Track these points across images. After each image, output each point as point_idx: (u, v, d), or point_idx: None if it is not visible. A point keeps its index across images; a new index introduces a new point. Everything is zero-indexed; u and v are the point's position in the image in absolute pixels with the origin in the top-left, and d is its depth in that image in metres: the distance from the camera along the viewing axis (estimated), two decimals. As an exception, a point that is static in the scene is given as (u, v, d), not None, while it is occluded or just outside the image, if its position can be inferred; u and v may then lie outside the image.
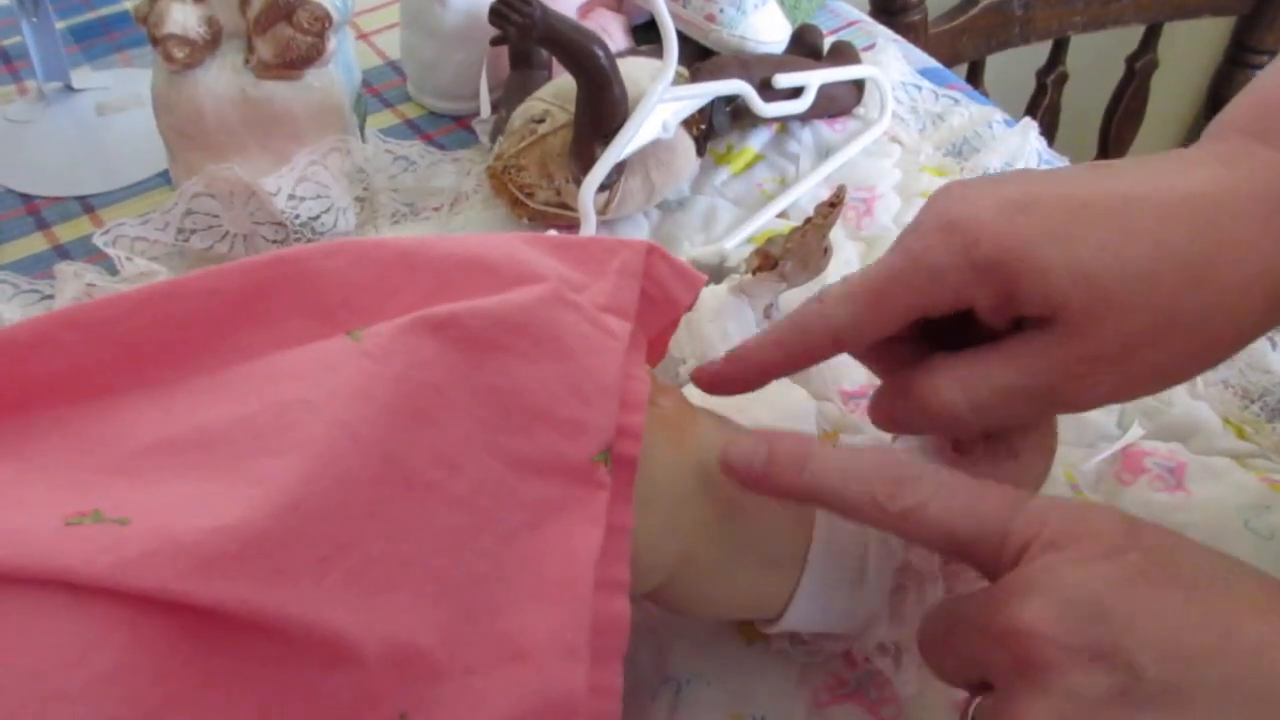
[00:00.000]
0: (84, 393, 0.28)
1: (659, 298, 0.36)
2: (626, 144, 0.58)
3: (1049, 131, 1.16)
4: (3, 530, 0.23)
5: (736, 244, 0.63)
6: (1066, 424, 0.54)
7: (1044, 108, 1.14)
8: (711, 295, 0.53)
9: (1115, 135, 1.19)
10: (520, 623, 0.28)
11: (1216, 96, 1.22)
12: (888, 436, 0.44)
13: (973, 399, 0.34)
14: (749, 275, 0.53)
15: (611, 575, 0.30)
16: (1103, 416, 0.54)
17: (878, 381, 0.57)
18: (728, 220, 0.65)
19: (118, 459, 0.26)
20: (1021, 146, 0.69)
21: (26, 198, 0.67)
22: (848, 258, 0.63)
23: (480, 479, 0.29)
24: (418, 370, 0.29)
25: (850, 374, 0.57)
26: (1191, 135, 1.34)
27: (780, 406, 0.51)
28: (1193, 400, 0.55)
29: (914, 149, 0.70)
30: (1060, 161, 0.71)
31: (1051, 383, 0.34)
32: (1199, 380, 0.56)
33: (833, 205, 0.53)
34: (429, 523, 0.28)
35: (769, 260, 0.52)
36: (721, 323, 0.52)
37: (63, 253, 0.63)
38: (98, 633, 0.22)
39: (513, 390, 0.30)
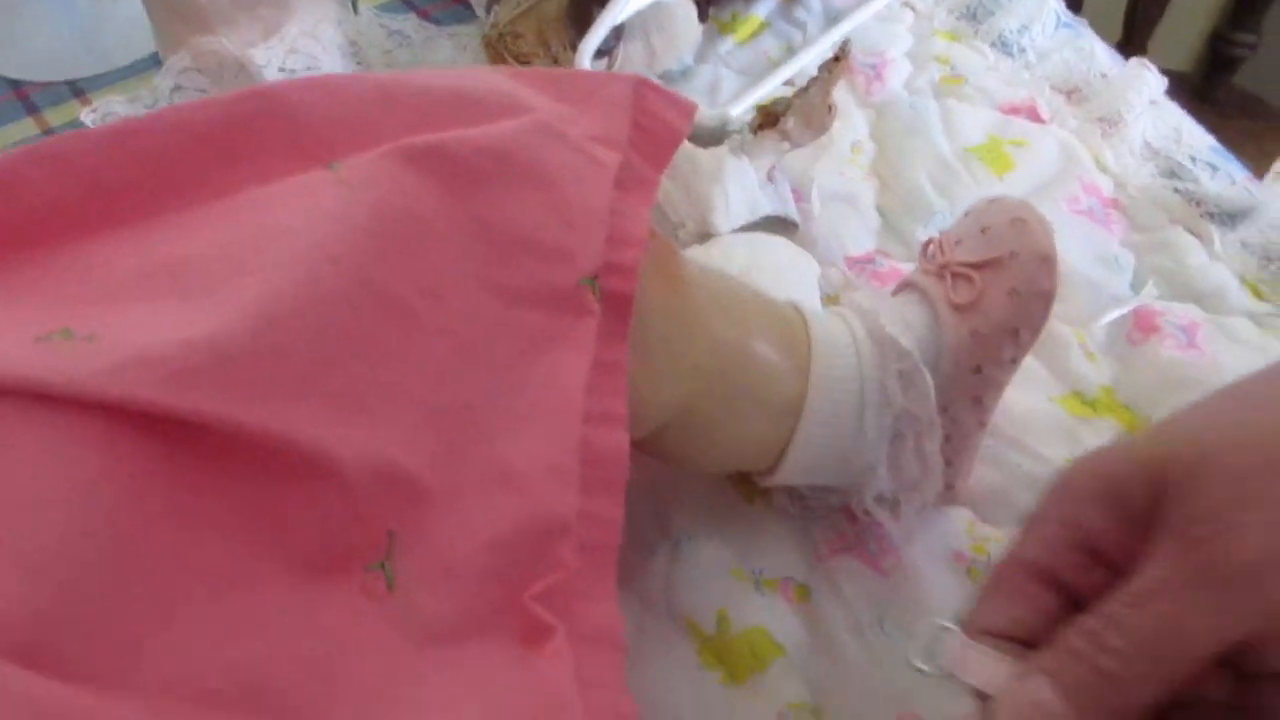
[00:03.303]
0: (53, 230, 0.28)
1: (654, 127, 0.34)
2: (624, 6, 0.56)
3: (1073, 7, 1.12)
4: None
5: (741, 111, 0.61)
6: (1079, 287, 0.53)
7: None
8: (711, 157, 0.52)
9: (1144, 11, 1.14)
10: (508, 449, 0.28)
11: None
12: (887, 289, 0.43)
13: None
14: (751, 135, 0.51)
15: (607, 408, 0.29)
16: (1116, 278, 0.53)
17: (884, 247, 0.56)
18: (732, 90, 0.63)
19: (88, 289, 0.26)
20: (1039, 8, 0.66)
21: (16, 83, 0.66)
22: (856, 124, 0.61)
23: (466, 309, 0.28)
24: (398, 198, 0.28)
25: (857, 240, 0.55)
26: (1217, 4, 1.28)
27: (785, 270, 0.50)
28: (1210, 261, 0.54)
29: (927, 14, 0.68)
30: (1080, 27, 0.67)
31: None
32: (1216, 240, 0.54)
33: (837, 60, 0.51)
34: (414, 351, 0.27)
35: (771, 118, 0.51)
36: (722, 184, 0.51)
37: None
38: (73, 443, 0.22)
39: (497, 220, 0.29)
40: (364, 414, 0.26)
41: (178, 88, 0.57)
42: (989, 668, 0.28)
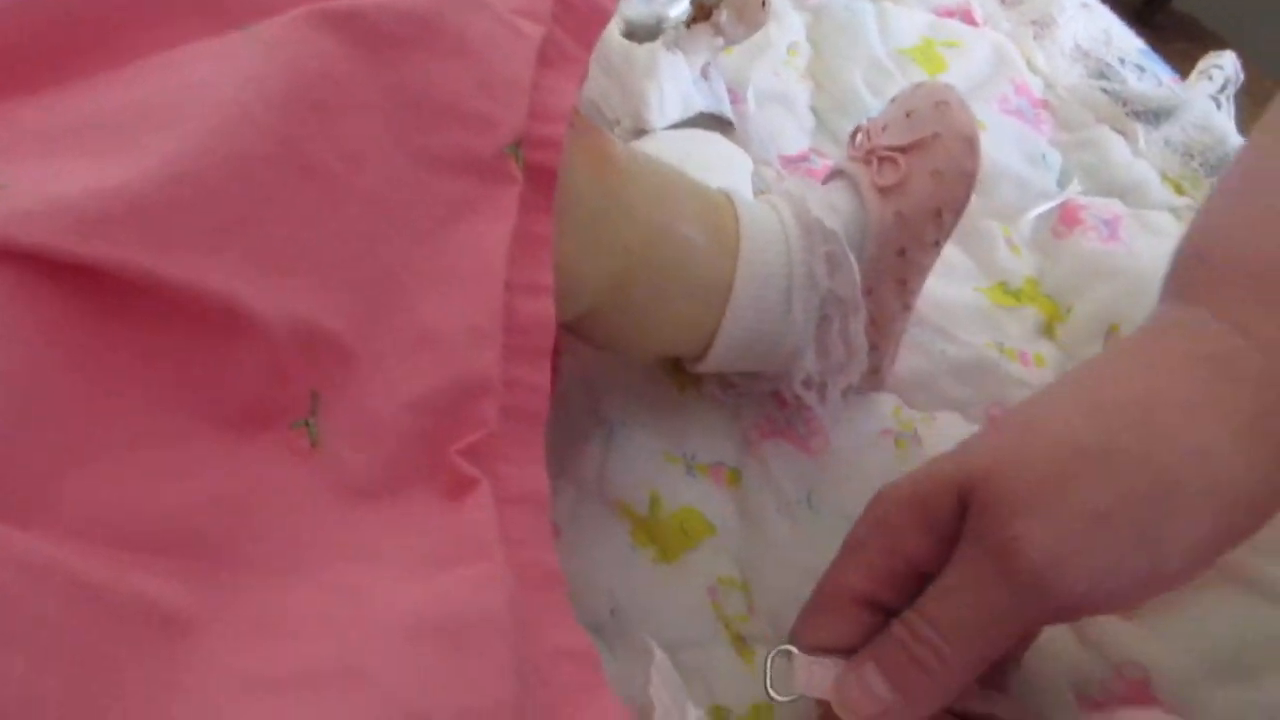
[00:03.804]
0: None
1: (579, 5, 0.34)
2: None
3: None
4: None
5: (676, 9, 0.60)
6: (1007, 184, 0.54)
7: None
8: (646, 53, 0.51)
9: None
10: (429, 312, 0.28)
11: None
12: (817, 190, 0.43)
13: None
14: (685, 29, 0.51)
15: (532, 279, 0.30)
16: (1043, 175, 0.54)
17: (818, 147, 0.56)
18: (669, -12, 0.62)
19: None
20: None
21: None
22: (792, 26, 0.61)
23: (388, 176, 0.28)
24: (316, 60, 0.27)
25: (791, 139, 0.56)
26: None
27: (719, 165, 0.50)
28: (1133, 158, 0.55)
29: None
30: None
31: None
32: (1140, 138, 0.56)
33: (771, -46, 0.50)
34: (335, 215, 0.27)
35: (705, 12, 0.50)
36: (656, 80, 0.51)
37: None
38: (25, 290, 0.22)
39: (418, 86, 0.29)
40: (283, 273, 0.25)
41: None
42: (832, 676, 0.32)
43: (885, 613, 0.32)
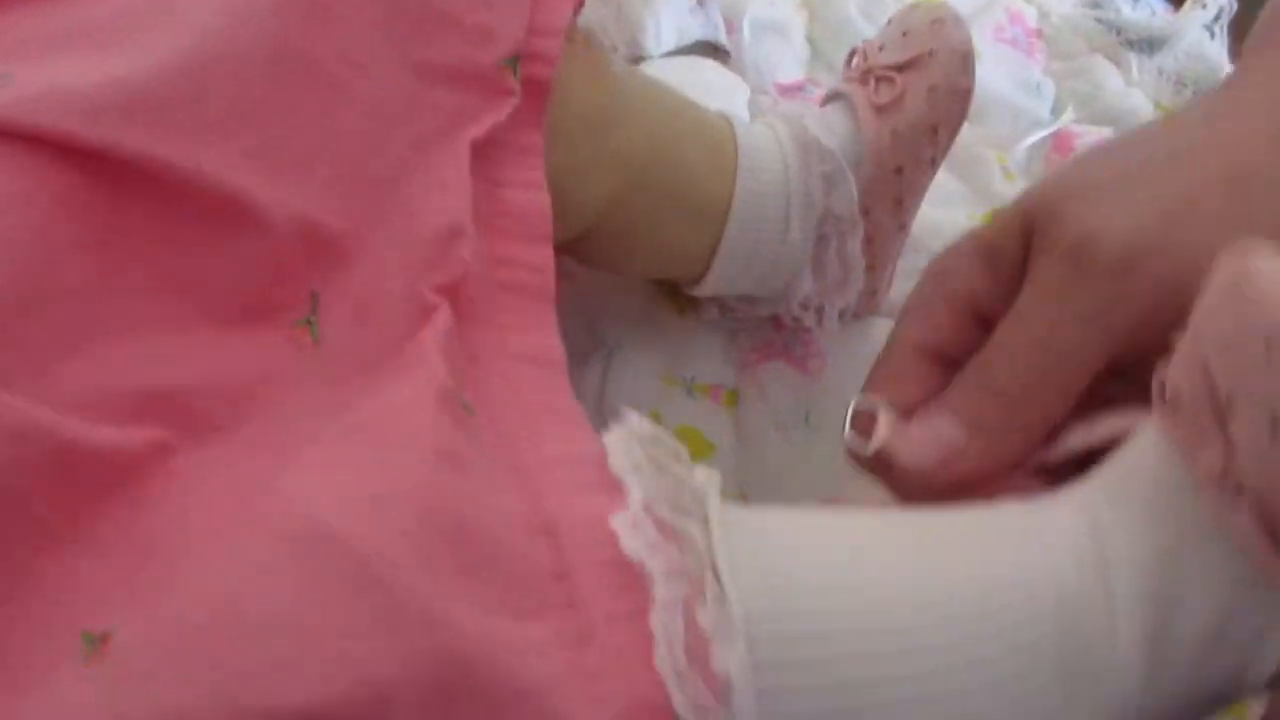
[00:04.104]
0: None
1: None
2: None
3: None
4: None
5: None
6: (1002, 112, 0.55)
7: None
8: (643, -22, 0.51)
9: None
10: (424, 212, 0.28)
11: None
12: (814, 111, 0.44)
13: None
14: (681, -44, 0.51)
15: (525, 176, 0.30)
16: (1036, 102, 0.55)
17: (813, 76, 0.57)
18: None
19: None
20: None
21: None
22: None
23: (388, 84, 0.29)
24: None
25: (787, 69, 0.56)
26: None
27: (715, 90, 0.50)
28: (1127, 87, 0.56)
29: None
30: None
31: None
32: (1134, 67, 0.56)
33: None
34: (336, 118, 0.27)
35: (701, -63, 0.50)
36: (652, 7, 0.51)
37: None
38: (35, 172, 0.22)
39: None
40: (284, 171, 0.26)
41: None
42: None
43: (954, 368, 0.29)
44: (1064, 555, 0.23)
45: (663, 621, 0.21)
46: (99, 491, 0.22)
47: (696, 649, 0.21)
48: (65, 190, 0.23)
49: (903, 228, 0.42)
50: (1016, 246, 0.28)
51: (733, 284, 0.42)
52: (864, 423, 0.29)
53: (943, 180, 0.51)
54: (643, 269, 0.42)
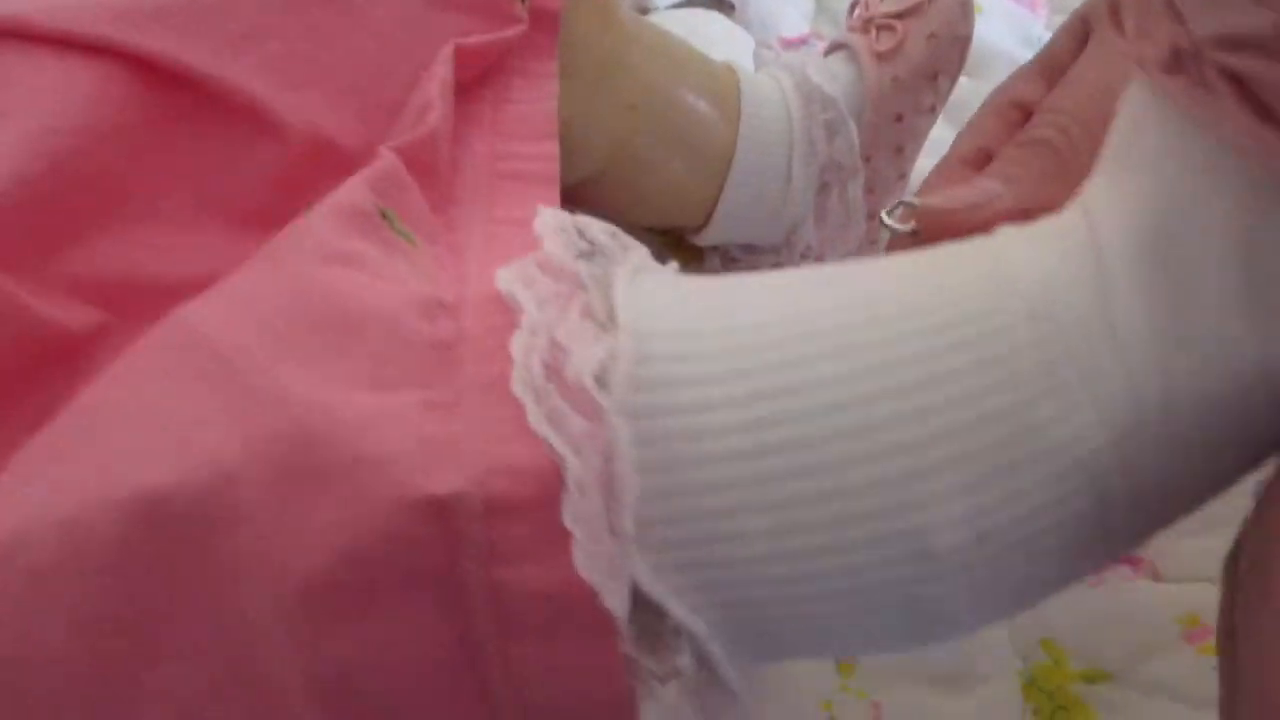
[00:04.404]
0: None
1: None
2: None
3: None
4: None
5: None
6: (1002, 66, 0.54)
7: None
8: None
9: None
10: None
11: None
12: (818, 61, 0.44)
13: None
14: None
15: (532, 95, 0.31)
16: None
17: (818, 30, 0.57)
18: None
19: None
20: None
21: None
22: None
23: (400, 10, 0.30)
24: None
25: (792, 24, 0.56)
26: None
27: (720, 42, 0.51)
28: (1129, 41, 0.56)
29: None
30: None
31: None
32: (1137, 20, 0.56)
33: None
34: (350, 39, 0.29)
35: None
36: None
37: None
38: (69, 70, 0.25)
39: None
40: (301, 85, 0.27)
41: None
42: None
43: None
44: (1045, 247, 0.21)
45: (524, 342, 0.20)
46: (41, 362, 0.23)
47: (556, 364, 0.20)
48: (99, 89, 0.25)
49: (903, 176, 0.42)
50: (1072, 47, 0.28)
51: (735, 232, 0.42)
52: (903, 216, 0.28)
53: (942, 134, 0.51)
54: (647, 215, 0.42)
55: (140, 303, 0.24)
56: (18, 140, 0.23)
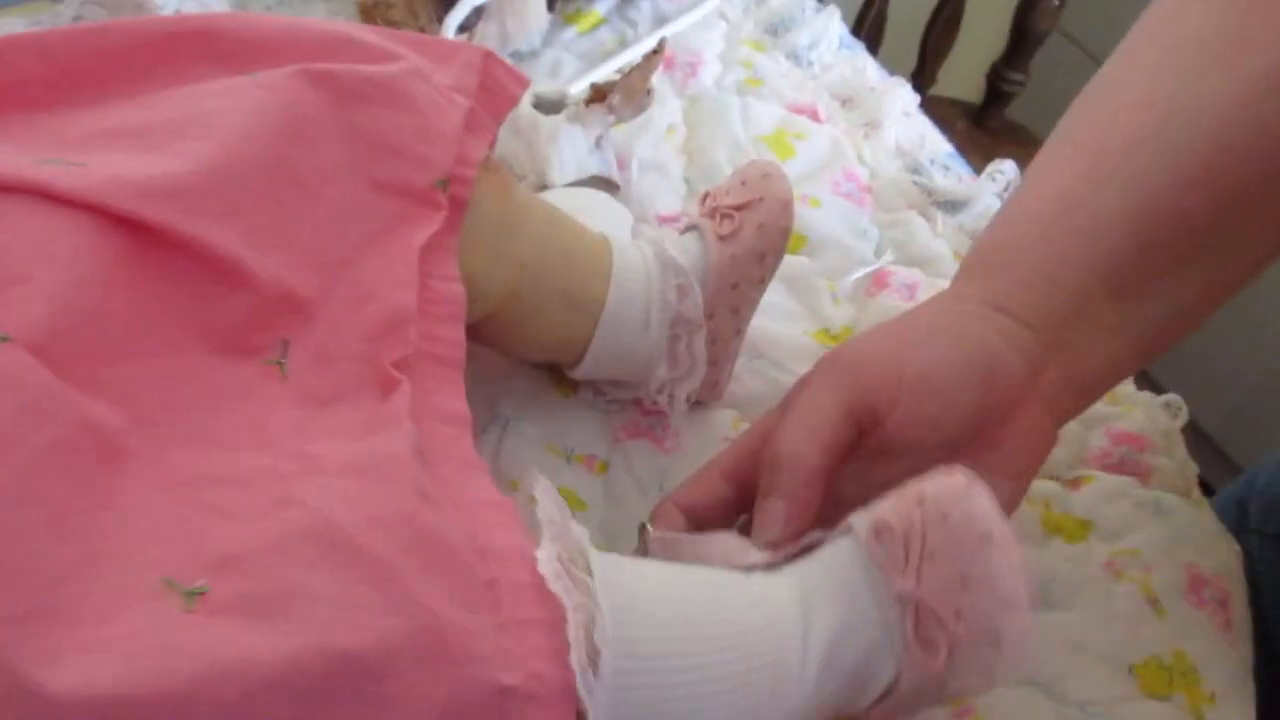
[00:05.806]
0: (27, 100, 0.36)
1: (495, 89, 0.45)
2: (483, -10, 0.66)
3: (875, 38, 1.29)
4: None
5: (578, 88, 0.72)
6: (835, 250, 0.67)
7: (871, 17, 1.27)
8: (550, 122, 0.63)
9: (934, 45, 1.33)
10: (372, 282, 0.38)
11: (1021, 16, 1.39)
12: (674, 236, 0.55)
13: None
14: (584, 107, 0.63)
15: (445, 271, 0.40)
16: (862, 244, 0.67)
17: (688, 210, 0.68)
18: (572, 71, 0.74)
19: (65, 141, 0.35)
20: (825, 28, 0.80)
21: (-97, 4, 0.69)
22: (672, 110, 0.74)
23: (348, 193, 0.38)
24: (302, 105, 0.38)
25: (666, 202, 0.67)
26: (999, 44, 1.48)
27: (605, 217, 0.61)
28: (933, 238, 0.69)
29: (736, 25, 0.81)
30: (857, 48, 0.82)
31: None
32: (940, 222, 0.70)
33: (655, 53, 0.63)
34: (309, 214, 0.37)
35: (600, 94, 0.62)
36: (558, 145, 0.62)
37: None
38: (71, 225, 0.32)
39: (375, 130, 0.39)
40: (271, 248, 0.36)
41: (79, 16, 0.63)
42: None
43: (740, 490, 0.43)
44: (786, 611, 0.35)
45: (574, 636, 0.31)
46: (84, 455, 0.30)
47: (590, 653, 0.31)
48: (120, 249, 0.32)
49: (739, 332, 0.52)
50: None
51: (602, 368, 0.51)
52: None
53: (784, 301, 0.63)
54: (531, 352, 0.51)
55: (155, 413, 0.31)
56: (58, 286, 0.30)
